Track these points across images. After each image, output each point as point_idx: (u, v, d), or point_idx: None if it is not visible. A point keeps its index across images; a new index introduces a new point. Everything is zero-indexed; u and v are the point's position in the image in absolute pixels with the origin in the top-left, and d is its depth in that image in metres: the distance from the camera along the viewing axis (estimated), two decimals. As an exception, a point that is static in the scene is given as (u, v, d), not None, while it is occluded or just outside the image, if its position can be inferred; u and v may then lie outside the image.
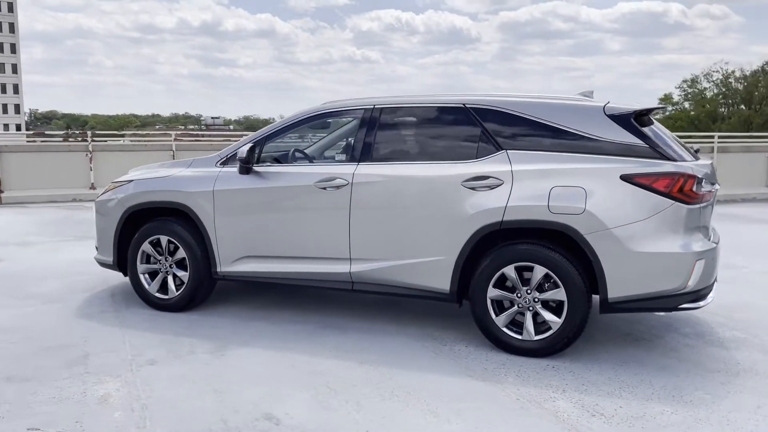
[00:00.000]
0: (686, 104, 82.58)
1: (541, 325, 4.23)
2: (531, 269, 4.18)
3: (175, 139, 13.62)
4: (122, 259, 5.42)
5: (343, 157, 4.96)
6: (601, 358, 4.24)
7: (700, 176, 4.02)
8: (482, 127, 4.40)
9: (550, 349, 4.19)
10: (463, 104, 4.52)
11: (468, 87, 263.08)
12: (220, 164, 5.07)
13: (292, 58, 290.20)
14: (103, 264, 5.58)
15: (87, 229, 9.66)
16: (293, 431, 3.27)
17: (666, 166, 3.99)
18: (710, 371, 4.05)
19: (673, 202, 3.94)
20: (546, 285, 4.19)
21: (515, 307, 4.26)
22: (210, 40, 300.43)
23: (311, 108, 5.02)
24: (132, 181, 5.34)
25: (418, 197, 4.44)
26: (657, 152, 4.06)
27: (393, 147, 4.65)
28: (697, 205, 4.02)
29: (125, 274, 5.52)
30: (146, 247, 5.23)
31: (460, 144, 4.48)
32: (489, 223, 4.22)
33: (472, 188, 4.28)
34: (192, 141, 14.80)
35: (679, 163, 4.03)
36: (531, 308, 4.22)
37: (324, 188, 4.65)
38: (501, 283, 4.29)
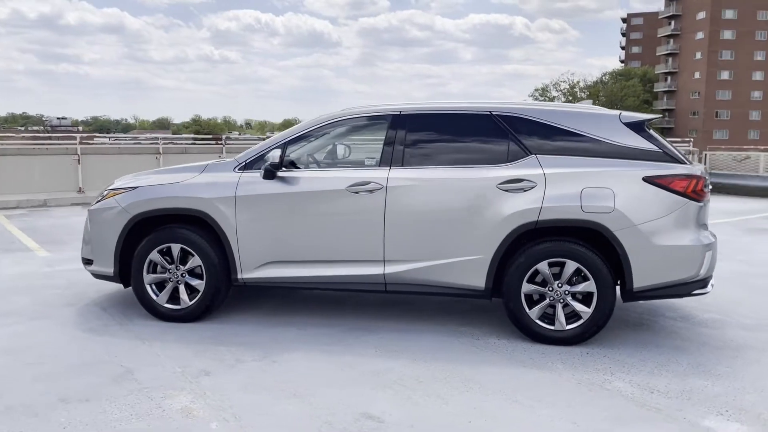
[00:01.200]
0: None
1: (569, 316, 4.60)
2: (562, 264, 4.55)
3: (81, 143, 12.74)
4: (123, 269, 5.15)
5: (372, 161, 5.05)
6: (621, 343, 4.68)
7: (705, 178, 4.60)
8: (510, 133, 4.71)
9: (581, 337, 4.58)
10: (489, 112, 4.81)
11: (330, 90, 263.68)
12: (239, 169, 4.98)
13: (145, 56, 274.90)
14: (99, 276, 5.27)
15: (6, 240, 8.89)
16: (400, 427, 3.38)
17: (680, 169, 4.52)
18: (716, 348, 4.62)
19: (687, 200, 4.48)
20: (574, 278, 4.57)
21: (547, 300, 4.61)
22: (49, 34, 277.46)
23: (334, 113, 5.07)
24: (136, 188, 5.10)
25: (454, 200, 4.66)
26: (668, 156, 4.58)
27: (423, 152, 4.83)
28: (703, 203, 4.58)
29: (126, 286, 5.26)
30: (154, 256, 5.02)
31: (489, 149, 4.75)
32: (525, 223, 4.53)
33: (506, 190, 4.57)
34: (99, 145, 13.89)
35: (688, 165, 4.58)
36: (562, 300, 4.58)
37: (356, 192, 4.74)
38: (532, 278, 4.62)
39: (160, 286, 5.10)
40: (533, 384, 3.95)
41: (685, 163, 4.58)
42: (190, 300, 5.03)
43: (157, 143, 13.50)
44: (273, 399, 3.70)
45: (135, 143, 15.35)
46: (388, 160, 4.81)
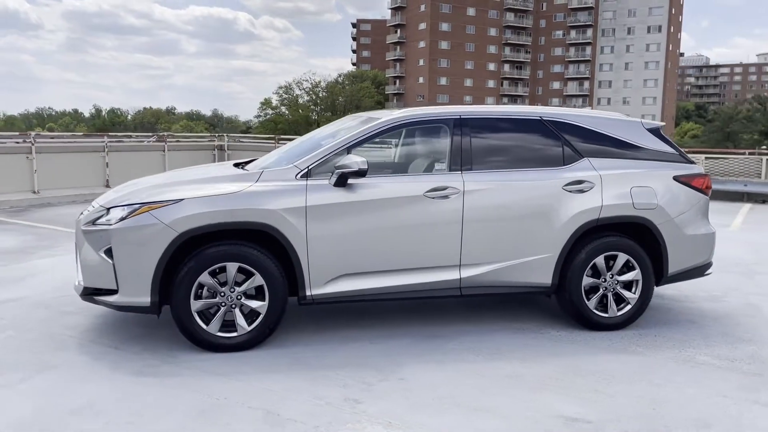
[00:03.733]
0: (284, 109, 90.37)
1: (617, 303, 5.10)
2: (614, 257, 5.02)
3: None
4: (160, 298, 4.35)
5: (442, 166, 4.92)
6: (648, 324, 5.27)
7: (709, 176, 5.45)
8: (562, 138, 5.04)
9: (629, 321, 5.10)
10: (540, 117, 5.08)
11: (32, 78, 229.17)
12: (302, 176, 4.53)
13: None
14: (125, 308, 4.37)
15: None
16: (609, 423, 3.51)
17: (696, 169, 5.30)
18: (716, 318, 5.47)
19: (702, 195, 5.27)
20: (623, 269, 5.07)
21: (600, 290, 5.04)
22: None
23: (393, 117, 4.85)
24: (181, 200, 4.32)
25: (525, 201, 4.84)
26: (683, 157, 5.33)
27: (488, 155, 4.91)
28: (708, 198, 5.41)
29: (158, 316, 4.44)
30: (205, 278, 4.33)
31: (546, 152, 5.02)
32: (588, 221, 4.91)
33: (570, 191, 4.90)
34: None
35: (699, 165, 5.37)
36: (612, 290, 5.05)
37: (434, 197, 4.66)
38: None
39: (204, 313, 4.42)
40: (645, 368, 4.33)
41: (695, 164, 5.37)
42: (249, 325, 4.44)
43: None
44: (461, 416, 3.55)
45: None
46: (457, 164, 4.80)
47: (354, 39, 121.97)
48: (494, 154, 4.97)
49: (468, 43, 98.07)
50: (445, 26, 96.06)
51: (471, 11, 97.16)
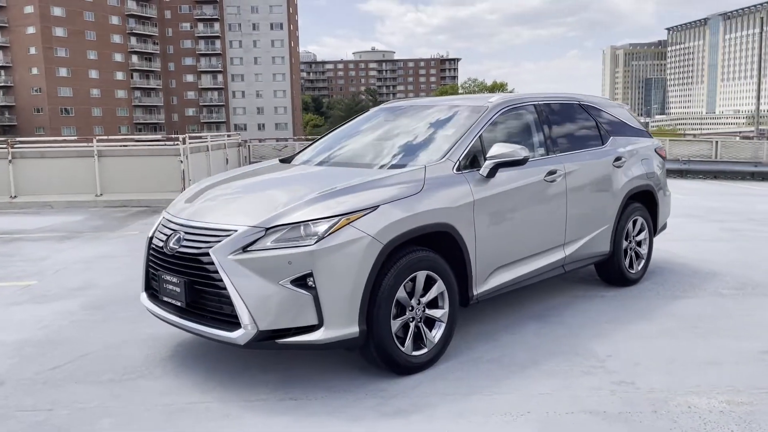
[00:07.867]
0: None
1: (636, 259, 5.90)
2: (636, 221, 5.79)
3: None
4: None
5: (541, 150, 4.89)
6: (650, 276, 6.22)
7: (662, 146, 6.60)
8: (594, 120, 5.58)
9: (643, 274, 5.96)
10: (578, 102, 5.53)
11: None
12: (457, 170, 4.17)
13: None
14: (332, 345, 3.47)
15: None
16: (791, 349, 4.26)
17: (657, 141, 6.37)
18: (666, 262, 6.68)
19: (664, 162, 6.39)
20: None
21: (629, 251, 5.77)
22: None
23: (498, 102, 4.72)
24: (377, 206, 3.58)
25: (598, 179, 5.26)
26: (648, 133, 6.37)
27: (563, 138, 5.13)
28: (663, 166, 6.56)
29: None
30: (400, 293, 3.73)
31: (591, 133, 5.47)
32: (628, 192, 5.56)
33: (615, 167, 5.48)
34: None
35: (656, 139, 6.47)
36: (633, 249, 5.83)
37: (549, 182, 4.76)
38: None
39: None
40: (717, 306, 5.17)
41: (653, 137, 6.47)
42: (435, 338, 3.97)
43: None
44: (713, 373, 3.86)
45: None
46: (549, 146, 4.95)
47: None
48: (564, 136, 5.23)
49: (88, 30, 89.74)
50: (58, 11, 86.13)
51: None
